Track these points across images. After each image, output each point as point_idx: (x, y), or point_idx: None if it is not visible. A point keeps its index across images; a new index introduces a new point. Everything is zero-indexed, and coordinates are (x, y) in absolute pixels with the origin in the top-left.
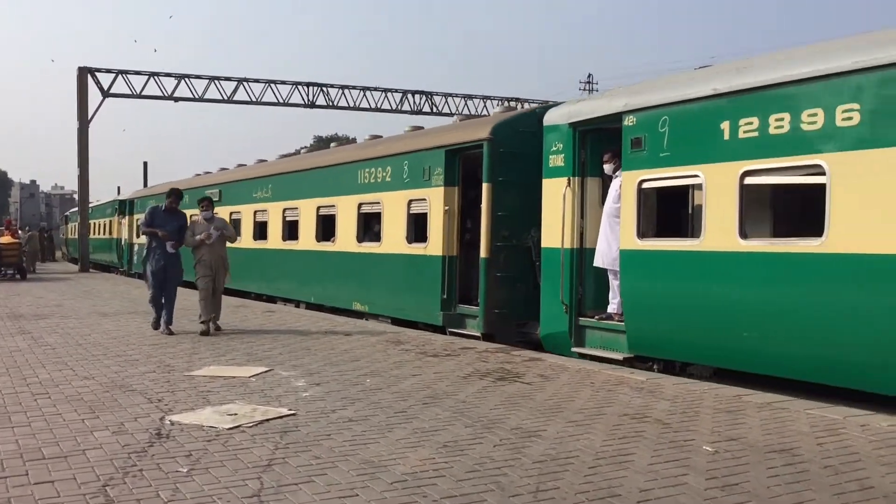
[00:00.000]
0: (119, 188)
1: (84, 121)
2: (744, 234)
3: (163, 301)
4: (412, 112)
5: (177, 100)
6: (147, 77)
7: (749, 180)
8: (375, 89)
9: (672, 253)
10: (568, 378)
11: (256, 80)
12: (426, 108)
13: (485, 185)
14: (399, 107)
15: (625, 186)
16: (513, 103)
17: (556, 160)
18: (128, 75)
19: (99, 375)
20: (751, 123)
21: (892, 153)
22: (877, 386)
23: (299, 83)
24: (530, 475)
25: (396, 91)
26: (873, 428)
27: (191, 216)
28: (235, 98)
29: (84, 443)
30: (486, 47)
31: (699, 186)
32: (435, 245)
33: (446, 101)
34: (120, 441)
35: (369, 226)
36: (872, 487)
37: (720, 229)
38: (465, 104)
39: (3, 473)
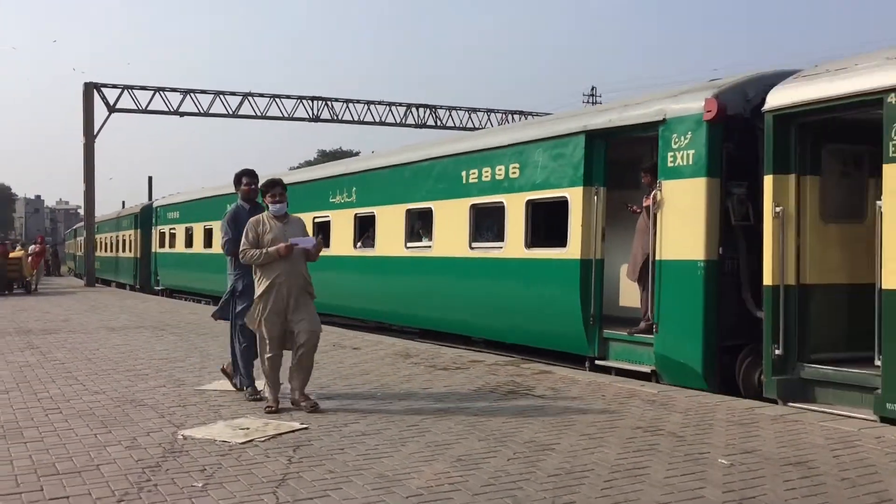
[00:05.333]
0: (123, 203)
1: (90, 136)
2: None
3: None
4: (416, 126)
5: (182, 114)
6: (153, 92)
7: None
8: (380, 103)
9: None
10: (579, 391)
11: (261, 95)
12: (430, 122)
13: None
14: (403, 120)
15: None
16: (515, 116)
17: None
18: (133, 90)
19: (109, 390)
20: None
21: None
22: None
23: (304, 97)
24: (546, 489)
25: (401, 105)
26: (888, 440)
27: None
28: (240, 112)
29: (98, 458)
30: (491, 60)
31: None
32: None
33: (450, 115)
34: (133, 456)
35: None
36: (890, 500)
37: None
38: (469, 117)
39: (17, 489)
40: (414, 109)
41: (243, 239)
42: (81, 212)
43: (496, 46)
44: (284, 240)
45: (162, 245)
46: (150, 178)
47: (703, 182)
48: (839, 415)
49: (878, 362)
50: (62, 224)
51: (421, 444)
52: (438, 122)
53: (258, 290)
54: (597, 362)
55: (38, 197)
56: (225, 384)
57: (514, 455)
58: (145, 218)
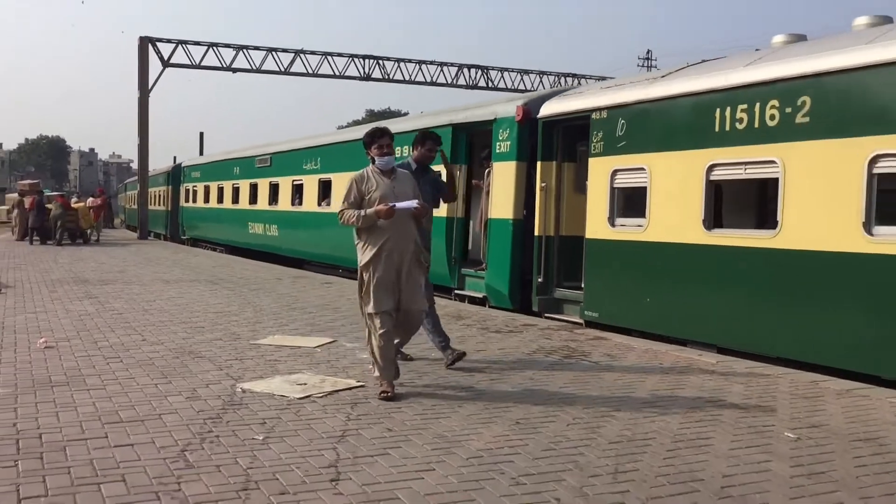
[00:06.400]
0: (175, 158)
1: (144, 90)
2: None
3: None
4: (467, 87)
5: (235, 70)
6: (206, 48)
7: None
8: (431, 63)
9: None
10: (636, 358)
11: (313, 52)
12: (482, 83)
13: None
14: (454, 81)
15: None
16: (567, 78)
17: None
18: (187, 45)
19: (167, 341)
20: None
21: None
22: None
23: (355, 55)
24: (608, 455)
25: (452, 65)
26: None
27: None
28: (292, 70)
29: (159, 407)
30: (544, 21)
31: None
32: None
33: (502, 76)
34: (194, 407)
35: None
36: None
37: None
38: (521, 79)
39: (83, 435)
40: (466, 70)
41: (343, 199)
42: (134, 165)
43: (551, 6)
44: (392, 197)
45: (187, 200)
46: (201, 134)
47: (513, 164)
48: (567, 320)
49: (583, 285)
50: (115, 177)
51: (478, 406)
52: (490, 84)
53: (362, 259)
54: (456, 292)
55: (91, 150)
56: (278, 339)
57: (573, 420)
58: (175, 176)
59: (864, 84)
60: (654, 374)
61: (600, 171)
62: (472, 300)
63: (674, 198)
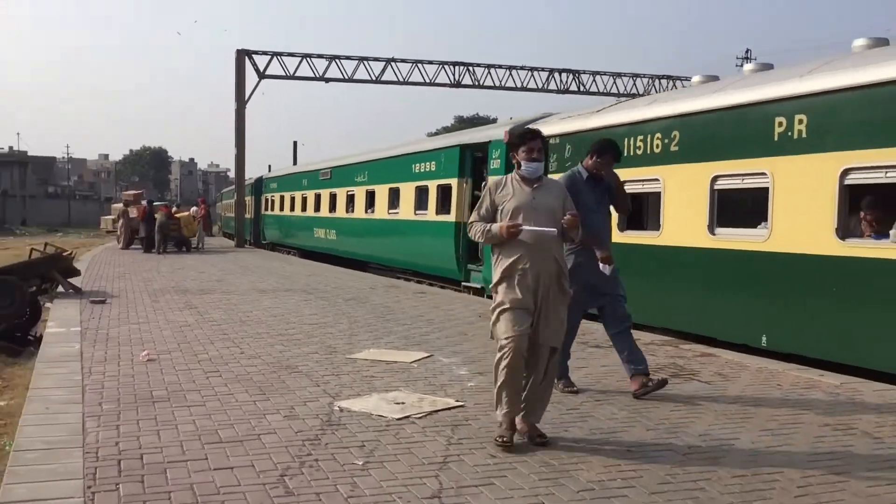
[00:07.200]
0: (269, 167)
1: (241, 101)
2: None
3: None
4: (558, 91)
5: (328, 80)
6: (300, 59)
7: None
8: (521, 68)
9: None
10: (750, 378)
11: (403, 61)
12: (573, 87)
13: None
14: (545, 86)
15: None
16: (662, 81)
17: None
18: (282, 57)
19: (264, 354)
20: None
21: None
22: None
23: (445, 63)
24: (731, 492)
25: (543, 70)
26: None
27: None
28: (383, 78)
29: (258, 427)
30: (638, 21)
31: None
32: None
33: (594, 80)
34: (293, 427)
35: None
36: None
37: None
38: (614, 82)
39: (183, 456)
40: (556, 74)
41: (475, 208)
42: (231, 174)
43: (644, 7)
44: (530, 210)
45: (266, 209)
46: (294, 143)
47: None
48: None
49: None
50: (213, 186)
51: (584, 431)
52: (581, 88)
53: (494, 277)
54: (463, 284)
55: (191, 160)
56: (374, 353)
57: (688, 450)
58: (257, 187)
59: (707, 123)
60: (773, 398)
61: None
62: (475, 291)
63: None
